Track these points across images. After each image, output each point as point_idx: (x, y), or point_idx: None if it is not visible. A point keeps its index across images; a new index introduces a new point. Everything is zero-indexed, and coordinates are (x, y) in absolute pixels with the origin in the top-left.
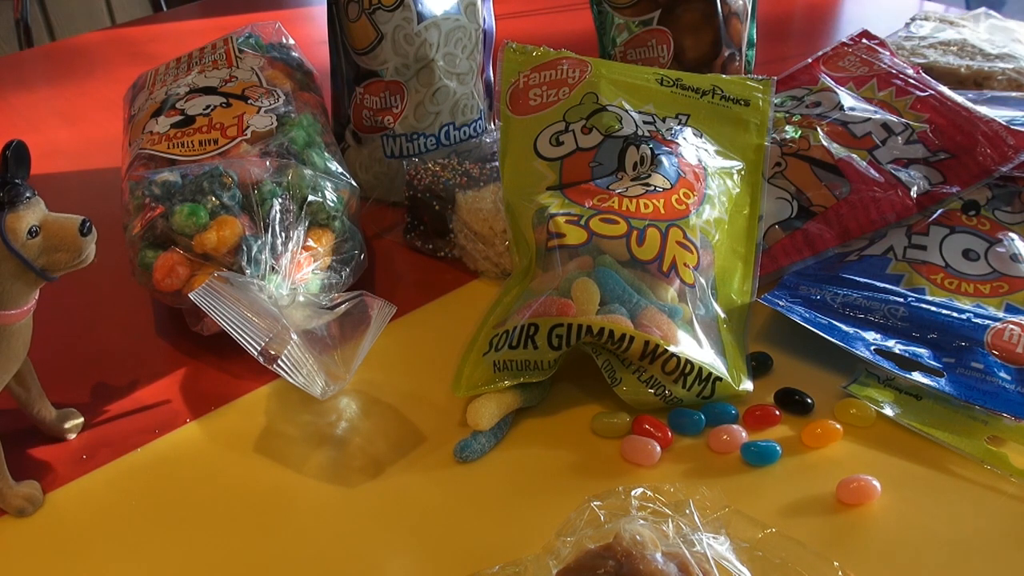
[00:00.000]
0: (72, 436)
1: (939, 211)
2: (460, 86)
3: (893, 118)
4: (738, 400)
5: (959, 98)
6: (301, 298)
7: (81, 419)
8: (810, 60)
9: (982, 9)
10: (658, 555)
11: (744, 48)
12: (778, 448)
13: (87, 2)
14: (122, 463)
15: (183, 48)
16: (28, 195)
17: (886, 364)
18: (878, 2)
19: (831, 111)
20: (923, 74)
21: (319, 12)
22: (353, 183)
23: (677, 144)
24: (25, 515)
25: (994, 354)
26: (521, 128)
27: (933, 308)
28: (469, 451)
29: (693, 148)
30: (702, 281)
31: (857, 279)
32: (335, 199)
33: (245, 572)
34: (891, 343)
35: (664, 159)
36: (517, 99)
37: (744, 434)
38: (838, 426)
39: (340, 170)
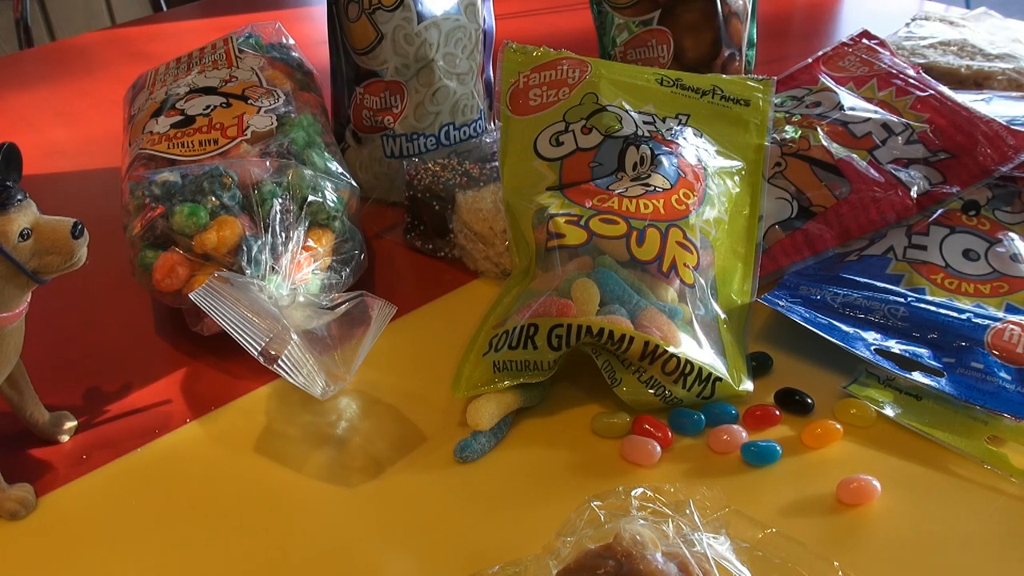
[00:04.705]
0: (65, 439)
1: (939, 211)
2: (460, 86)
3: (893, 118)
4: (738, 400)
5: (959, 98)
6: (301, 298)
7: (75, 422)
8: (810, 60)
9: (982, 9)
10: (658, 555)
11: (744, 48)
12: (778, 448)
13: (87, 2)
14: (122, 463)
15: (183, 48)
16: (20, 197)
17: (886, 364)
18: (878, 2)
19: (831, 111)
20: (923, 74)
21: (319, 12)
22: (353, 183)
23: (677, 144)
24: (18, 518)
25: (994, 354)
26: (521, 128)
27: (933, 308)
28: (469, 451)
29: (693, 148)
30: (702, 281)
31: (857, 279)
32: (335, 199)
33: (245, 572)
34: (891, 343)
35: (664, 159)
36: (517, 99)
37: (744, 434)
38: (838, 426)
39: (340, 170)
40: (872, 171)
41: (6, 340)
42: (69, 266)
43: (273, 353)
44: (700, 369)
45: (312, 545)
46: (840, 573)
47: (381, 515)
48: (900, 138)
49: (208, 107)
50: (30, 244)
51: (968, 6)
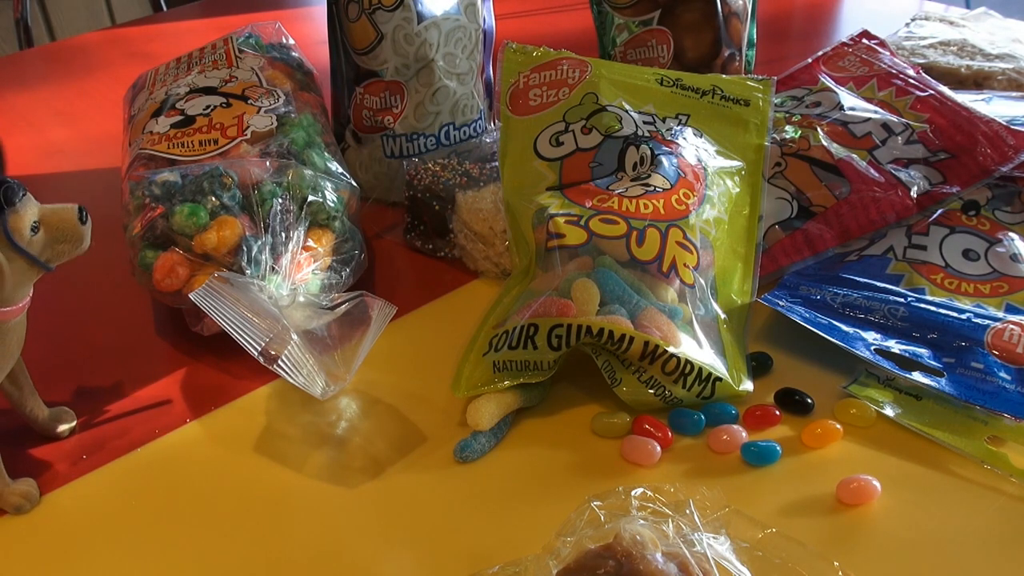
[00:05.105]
0: (64, 435)
1: (939, 211)
2: (460, 86)
3: (893, 118)
4: (738, 400)
5: (959, 98)
6: (301, 298)
7: (74, 419)
8: (810, 60)
9: (982, 9)
10: (658, 555)
11: (744, 48)
12: (778, 448)
13: (87, 2)
14: (122, 463)
15: (183, 48)
16: (22, 192)
17: (886, 364)
18: (878, 2)
19: (831, 111)
20: (923, 74)
21: (319, 12)
22: (353, 183)
23: (677, 144)
24: (22, 512)
25: (994, 354)
26: (521, 128)
27: (933, 308)
28: (469, 451)
29: (693, 148)
30: (702, 281)
31: (857, 279)
32: (335, 199)
33: (245, 572)
34: (891, 343)
35: (664, 159)
36: (517, 99)
37: (744, 434)
38: (838, 426)
39: (340, 170)
40: (872, 171)
41: (9, 335)
42: (78, 251)
43: (273, 353)
44: (700, 369)
45: (312, 545)
46: (840, 573)
47: (381, 515)
48: (900, 138)
49: (208, 107)
50: (41, 237)
51: (968, 6)
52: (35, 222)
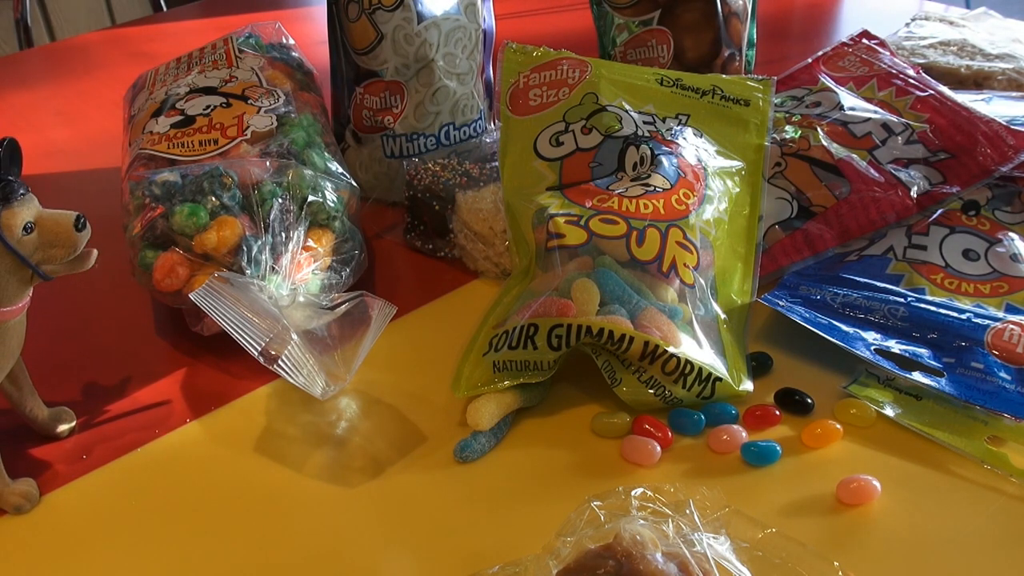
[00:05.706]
0: (64, 435)
1: (939, 211)
2: (460, 86)
3: (893, 118)
4: (738, 400)
5: (959, 98)
6: (301, 298)
7: (74, 419)
8: (810, 60)
9: (982, 9)
10: (658, 555)
11: (744, 48)
12: (778, 448)
13: (87, 2)
14: (122, 463)
15: (183, 48)
16: (22, 191)
17: (886, 364)
18: (878, 2)
19: (831, 111)
20: (923, 74)
21: (319, 12)
22: (353, 183)
23: (677, 144)
24: (23, 512)
25: (994, 354)
26: (521, 128)
27: (933, 308)
28: (469, 451)
29: (693, 148)
30: (702, 281)
31: (857, 279)
32: (335, 199)
33: (244, 572)
34: (891, 343)
35: (664, 159)
36: (517, 99)
37: (744, 434)
38: (838, 426)
39: (340, 170)
40: (872, 171)
41: (8, 335)
42: (74, 259)
43: (273, 353)
44: (700, 369)
45: (312, 545)
46: (840, 573)
47: (381, 515)
48: (900, 138)
49: (208, 107)
50: (34, 238)
51: (968, 6)
52: (30, 223)
